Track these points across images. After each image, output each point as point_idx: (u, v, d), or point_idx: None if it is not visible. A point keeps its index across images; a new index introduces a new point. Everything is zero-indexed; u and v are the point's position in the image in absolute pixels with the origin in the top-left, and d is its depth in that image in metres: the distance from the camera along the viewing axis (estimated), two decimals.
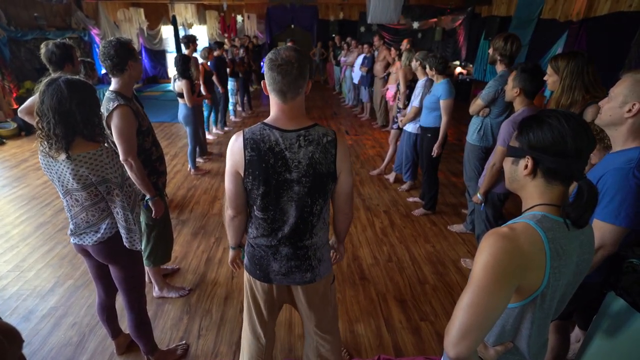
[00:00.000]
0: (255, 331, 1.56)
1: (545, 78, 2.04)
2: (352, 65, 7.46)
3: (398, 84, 4.40)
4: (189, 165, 4.56)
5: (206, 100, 5.02)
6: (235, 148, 1.24)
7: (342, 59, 8.36)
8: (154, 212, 2.11)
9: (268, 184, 1.24)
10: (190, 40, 4.77)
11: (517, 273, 0.82)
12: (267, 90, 1.24)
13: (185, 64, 4.06)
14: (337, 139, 1.27)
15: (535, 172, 0.90)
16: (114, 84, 1.95)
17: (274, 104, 1.25)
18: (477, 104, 2.72)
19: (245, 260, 1.48)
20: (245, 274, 1.50)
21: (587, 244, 0.93)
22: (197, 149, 4.68)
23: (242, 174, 1.25)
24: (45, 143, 1.40)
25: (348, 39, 8.29)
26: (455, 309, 0.85)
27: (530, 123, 0.90)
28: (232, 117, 7.02)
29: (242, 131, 1.25)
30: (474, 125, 2.81)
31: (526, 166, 0.90)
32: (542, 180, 0.89)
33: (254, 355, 1.60)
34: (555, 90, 1.91)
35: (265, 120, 1.26)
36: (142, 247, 2.25)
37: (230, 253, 1.55)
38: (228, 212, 1.37)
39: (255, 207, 1.32)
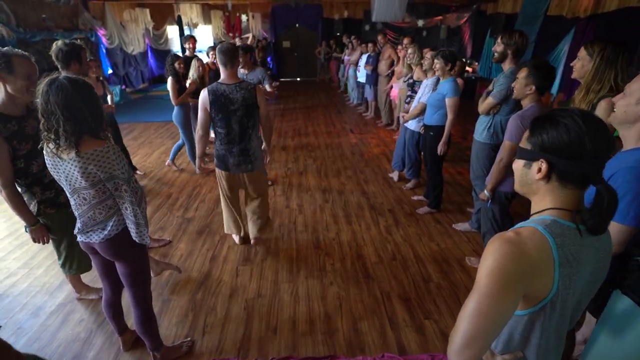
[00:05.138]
0: (227, 205, 2.85)
1: (572, 64, 2.03)
2: (355, 64, 7.45)
3: (406, 81, 4.38)
4: (193, 164, 4.57)
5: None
6: (204, 96, 2.44)
7: (346, 57, 8.34)
8: (33, 238, 1.98)
9: (223, 112, 2.43)
10: (187, 40, 4.87)
11: (523, 279, 0.78)
12: (219, 64, 2.43)
13: (171, 63, 4.13)
14: (255, 87, 2.48)
15: (549, 175, 0.83)
16: None
17: (222, 72, 2.44)
18: (487, 102, 2.66)
19: (215, 161, 2.65)
20: (217, 171, 2.70)
21: (603, 251, 0.87)
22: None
23: (209, 109, 2.45)
24: (52, 143, 1.41)
25: (351, 38, 8.27)
26: (459, 316, 0.82)
27: (543, 124, 0.83)
28: None
29: (206, 88, 2.44)
30: (483, 123, 2.74)
31: (539, 170, 0.84)
32: (556, 184, 0.83)
33: (230, 219, 2.92)
34: (587, 75, 1.89)
35: (219, 80, 2.44)
36: (57, 258, 2.24)
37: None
38: (199, 133, 2.59)
39: (218, 127, 2.50)
